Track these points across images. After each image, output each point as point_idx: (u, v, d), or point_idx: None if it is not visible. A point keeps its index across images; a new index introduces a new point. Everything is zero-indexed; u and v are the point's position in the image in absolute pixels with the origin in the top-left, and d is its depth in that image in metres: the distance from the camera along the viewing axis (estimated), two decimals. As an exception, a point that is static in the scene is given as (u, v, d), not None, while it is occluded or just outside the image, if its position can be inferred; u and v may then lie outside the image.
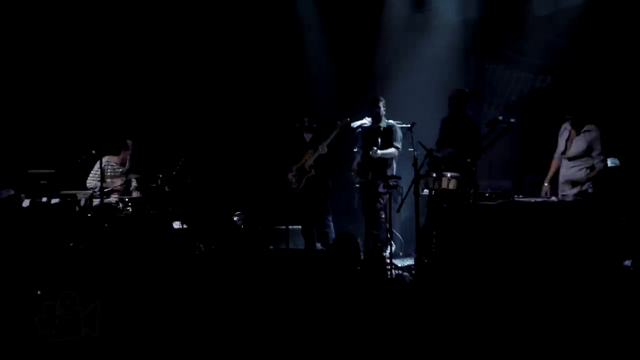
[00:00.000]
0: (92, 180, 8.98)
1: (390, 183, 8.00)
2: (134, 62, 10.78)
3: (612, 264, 6.95)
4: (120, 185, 9.09)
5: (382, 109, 8.97)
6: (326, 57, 10.94)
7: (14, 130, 10.29)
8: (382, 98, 9.05)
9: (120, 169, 9.23)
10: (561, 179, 7.91)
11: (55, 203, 8.48)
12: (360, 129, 9.15)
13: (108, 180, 9.06)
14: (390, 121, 8.95)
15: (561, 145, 7.94)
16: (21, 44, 10.39)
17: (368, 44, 10.87)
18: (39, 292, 5.74)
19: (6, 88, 10.34)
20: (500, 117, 7.61)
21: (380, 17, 10.80)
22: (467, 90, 8.63)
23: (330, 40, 10.95)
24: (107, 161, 9.13)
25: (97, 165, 8.86)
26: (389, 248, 8.63)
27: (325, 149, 8.89)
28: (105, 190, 8.63)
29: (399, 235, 9.49)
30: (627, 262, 7.13)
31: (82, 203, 8.73)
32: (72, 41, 10.54)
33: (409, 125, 8.14)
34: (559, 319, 5.30)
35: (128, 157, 9.28)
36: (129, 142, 9.30)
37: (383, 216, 8.78)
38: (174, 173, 9.04)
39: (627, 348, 4.83)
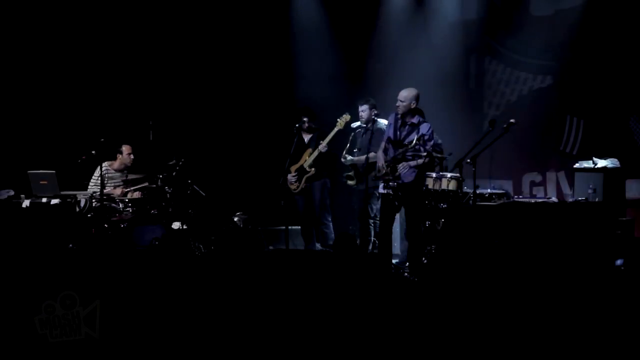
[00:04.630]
0: (94, 187, 8.98)
1: (391, 184, 7.93)
2: (134, 63, 10.78)
3: (604, 263, 6.95)
4: (120, 194, 9.08)
5: (362, 112, 8.87)
6: (325, 57, 10.93)
7: (14, 130, 10.29)
8: (366, 100, 8.92)
9: (120, 176, 9.18)
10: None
11: (55, 203, 8.48)
12: (359, 130, 9.14)
13: (109, 187, 9.05)
14: (380, 121, 8.82)
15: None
16: (21, 44, 10.39)
17: (367, 43, 10.87)
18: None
19: (6, 88, 10.34)
20: (512, 121, 7.55)
21: (380, 16, 10.80)
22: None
23: (329, 40, 10.95)
24: (107, 168, 9.10)
25: (97, 171, 8.84)
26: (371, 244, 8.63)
27: (326, 147, 8.87)
28: (104, 197, 8.63)
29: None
30: (619, 262, 7.13)
31: (82, 204, 8.73)
32: (72, 41, 10.54)
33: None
34: (557, 319, 5.31)
35: (128, 162, 9.22)
36: (125, 147, 9.25)
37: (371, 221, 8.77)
38: (174, 173, 9.04)
39: (621, 347, 4.83)
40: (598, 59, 9.39)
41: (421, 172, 7.85)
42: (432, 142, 7.79)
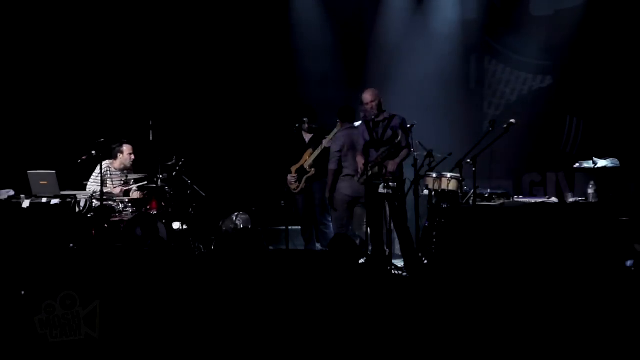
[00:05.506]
0: (93, 185, 8.96)
1: (391, 184, 7.92)
2: (135, 63, 10.78)
3: (614, 264, 6.95)
4: (119, 192, 9.06)
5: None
6: (325, 57, 10.93)
7: (14, 130, 10.29)
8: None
9: (120, 175, 9.16)
10: None
11: (55, 204, 8.47)
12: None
13: (109, 185, 9.04)
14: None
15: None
16: (21, 44, 10.39)
17: (367, 43, 10.87)
18: (22, 292, 5.75)
19: (6, 88, 10.34)
20: (513, 121, 7.55)
21: (380, 16, 10.80)
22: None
23: (329, 40, 10.95)
24: (108, 166, 9.07)
25: (98, 169, 8.82)
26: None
27: (330, 142, 8.83)
28: (105, 194, 8.61)
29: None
30: (629, 263, 7.12)
31: (82, 204, 8.72)
32: (72, 41, 10.54)
33: (409, 126, 8.11)
34: (560, 320, 5.30)
35: (128, 162, 9.19)
36: (126, 146, 9.21)
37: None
38: (174, 173, 9.03)
39: (628, 349, 4.83)
40: (598, 59, 9.40)
41: (400, 166, 7.92)
42: (409, 132, 7.86)
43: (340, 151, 8.43)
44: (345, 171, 8.39)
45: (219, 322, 5.50)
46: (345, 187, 8.38)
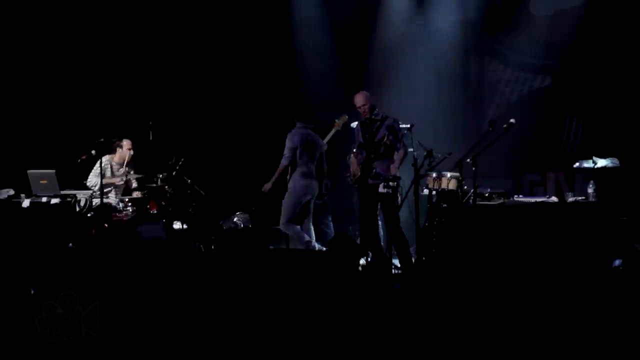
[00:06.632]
0: (93, 178, 8.98)
1: (391, 184, 7.92)
2: (135, 63, 10.78)
3: (601, 264, 6.97)
4: (119, 181, 9.07)
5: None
6: (325, 57, 10.93)
7: (13, 130, 10.30)
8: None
9: (121, 169, 9.20)
10: None
11: (55, 203, 8.48)
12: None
13: (108, 178, 9.04)
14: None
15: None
16: (21, 44, 10.40)
17: (367, 43, 10.86)
18: (32, 291, 5.75)
19: (6, 87, 10.35)
20: (512, 121, 7.56)
21: (380, 16, 10.79)
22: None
23: (329, 40, 10.94)
24: (108, 160, 9.10)
25: (98, 164, 8.84)
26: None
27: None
28: (105, 185, 8.61)
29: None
30: (617, 262, 7.14)
31: (82, 203, 8.73)
32: (72, 41, 10.54)
33: (409, 126, 8.12)
34: (555, 319, 5.31)
35: (127, 156, 9.22)
36: (126, 141, 9.25)
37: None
38: (174, 173, 9.03)
39: (619, 347, 4.84)
40: (598, 59, 9.40)
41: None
42: (400, 133, 7.85)
43: (295, 149, 8.40)
44: (301, 169, 8.37)
45: (218, 322, 5.50)
46: (303, 186, 8.36)
